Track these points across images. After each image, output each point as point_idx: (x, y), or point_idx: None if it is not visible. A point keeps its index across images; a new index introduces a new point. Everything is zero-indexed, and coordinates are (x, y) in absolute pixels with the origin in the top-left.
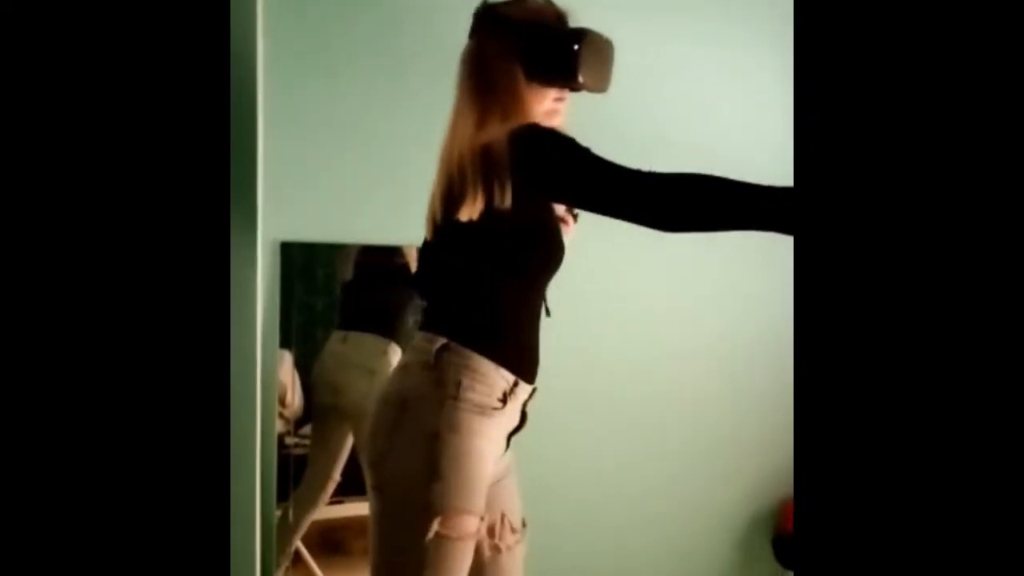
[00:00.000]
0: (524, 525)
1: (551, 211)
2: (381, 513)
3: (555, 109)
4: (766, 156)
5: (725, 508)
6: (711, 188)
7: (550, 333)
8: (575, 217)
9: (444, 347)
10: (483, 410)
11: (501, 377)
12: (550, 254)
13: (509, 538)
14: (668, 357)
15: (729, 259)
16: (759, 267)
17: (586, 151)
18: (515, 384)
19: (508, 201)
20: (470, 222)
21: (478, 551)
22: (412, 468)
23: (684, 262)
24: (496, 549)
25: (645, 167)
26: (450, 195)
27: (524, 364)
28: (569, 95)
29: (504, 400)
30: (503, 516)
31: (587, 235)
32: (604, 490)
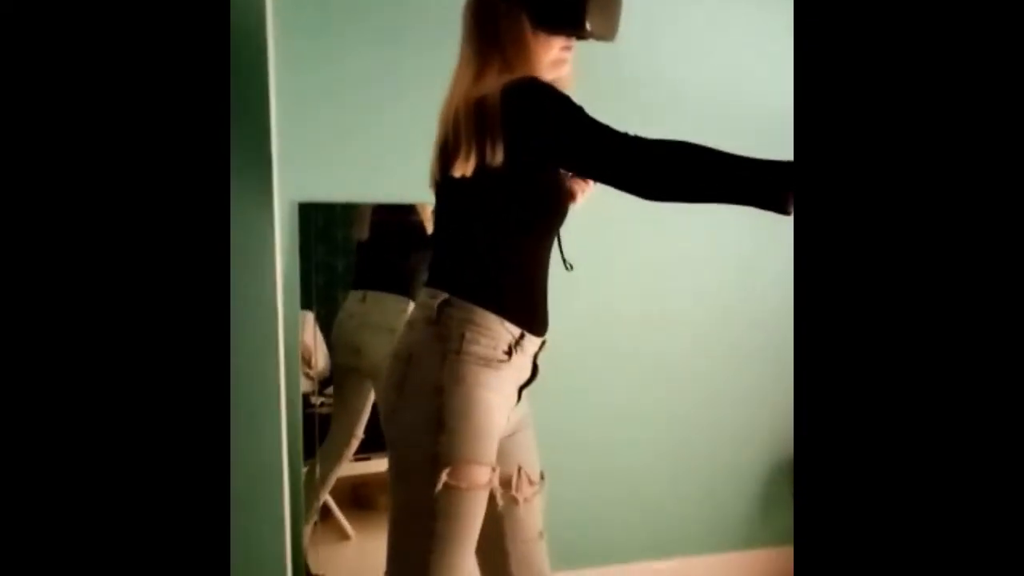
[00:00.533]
0: (542, 477)
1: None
2: (394, 466)
3: (561, 59)
4: (780, 108)
5: (746, 457)
6: (700, 159)
7: (571, 286)
8: None
9: (446, 302)
10: (488, 362)
11: (506, 330)
12: (549, 209)
13: (526, 490)
14: (689, 308)
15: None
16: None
17: (578, 111)
18: (521, 336)
19: (499, 157)
20: (464, 178)
21: (494, 502)
22: (419, 422)
23: (702, 214)
24: (513, 500)
25: (654, 124)
26: (446, 150)
27: (530, 316)
28: (576, 44)
29: (510, 352)
30: (519, 468)
31: (607, 192)
32: (624, 439)
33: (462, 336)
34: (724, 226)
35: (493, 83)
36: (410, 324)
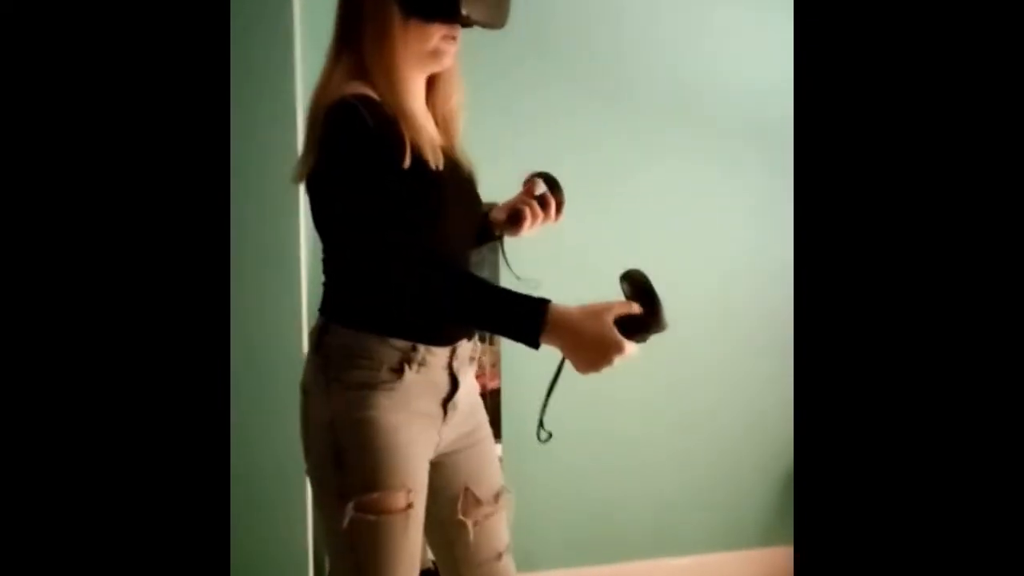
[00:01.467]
0: (500, 494)
1: (411, 171)
2: (313, 499)
3: (441, 49)
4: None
5: (765, 453)
6: (451, 284)
7: (584, 285)
8: (559, 207)
9: (322, 328)
10: (373, 386)
11: (390, 348)
12: (417, 219)
13: (476, 512)
14: (703, 304)
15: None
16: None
17: (366, 169)
18: (413, 349)
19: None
20: (309, 190)
21: (445, 528)
22: (321, 456)
23: (705, 212)
24: (461, 525)
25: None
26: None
27: (427, 328)
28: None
29: (400, 370)
30: (466, 490)
31: (617, 197)
32: (640, 435)
33: (339, 364)
34: (729, 221)
35: (337, 90)
36: (307, 356)
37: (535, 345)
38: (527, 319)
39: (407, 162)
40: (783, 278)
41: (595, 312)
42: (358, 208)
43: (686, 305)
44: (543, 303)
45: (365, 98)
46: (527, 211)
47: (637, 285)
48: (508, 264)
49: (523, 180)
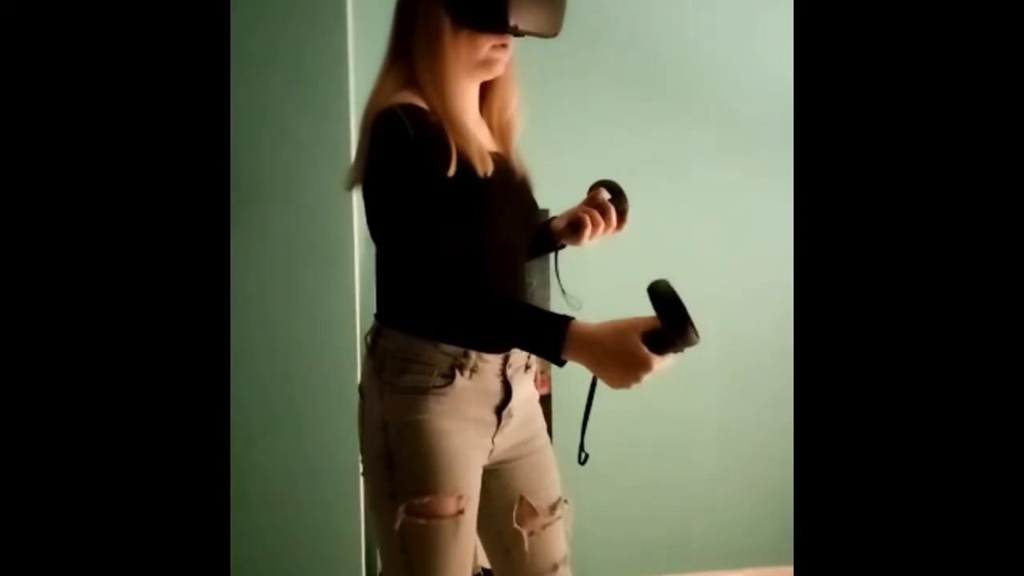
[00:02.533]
0: (557, 504)
1: (459, 175)
2: (366, 499)
3: (492, 58)
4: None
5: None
6: (482, 302)
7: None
8: (621, 217)
9: (377, 332)
10: (424, 390)
11: (441, 353)
12: (465, 219)
13: (532, 522)
14: (740, 310)
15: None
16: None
17: (408, 181)
18: (464, 355)
19: None
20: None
21: (502, 537)
22: (375, 458)
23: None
24: (516, 535)
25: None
26: None
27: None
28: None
29: (451, 376)
30: (521, 499)
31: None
32: (693, 448)
33: (393, 368)
34: (781, 232)
35: (387, 99)
36: (363, 357)
37: (558, 362)
38: (548, 337)
39: (452, 170)
40: None
41: (619, 329)
42: (398, 216)
43: (744, 322)
44: (565, 320)
45: (411, 107)
46: (587, 220)
47: (663, 298)
48: (559, 277)
49: (587, 188)
